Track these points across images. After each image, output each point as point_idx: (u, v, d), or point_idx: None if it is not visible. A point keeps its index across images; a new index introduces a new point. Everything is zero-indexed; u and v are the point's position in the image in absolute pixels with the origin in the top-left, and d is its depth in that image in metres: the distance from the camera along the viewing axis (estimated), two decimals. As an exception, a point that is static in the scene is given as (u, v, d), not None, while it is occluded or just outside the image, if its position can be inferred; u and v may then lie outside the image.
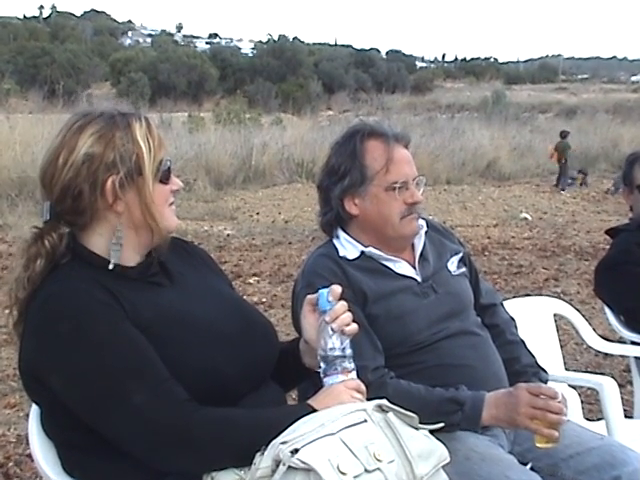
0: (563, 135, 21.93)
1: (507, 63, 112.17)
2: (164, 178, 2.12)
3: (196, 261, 2.35)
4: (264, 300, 8.45)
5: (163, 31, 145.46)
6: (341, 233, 2.83)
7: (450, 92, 58.61)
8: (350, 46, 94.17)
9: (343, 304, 2.12)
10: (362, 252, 2.78)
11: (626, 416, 3.53)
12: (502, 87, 56.59)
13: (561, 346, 4.13)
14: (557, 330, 4.11)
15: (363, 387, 2.09)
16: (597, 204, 18.16)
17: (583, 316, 4.17)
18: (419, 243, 2.88)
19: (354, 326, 2.11)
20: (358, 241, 2.80)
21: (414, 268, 2.84)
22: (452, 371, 2.72)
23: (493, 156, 24.02)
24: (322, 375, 2.07)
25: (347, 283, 2.51)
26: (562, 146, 21.51)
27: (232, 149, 20.16)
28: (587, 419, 3.86)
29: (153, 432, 1.92)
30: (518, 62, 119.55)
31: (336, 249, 2.81)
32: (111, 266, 2.03)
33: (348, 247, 2.80)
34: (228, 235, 12.95)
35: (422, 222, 2.93)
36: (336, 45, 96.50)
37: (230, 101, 41.23)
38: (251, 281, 9.48)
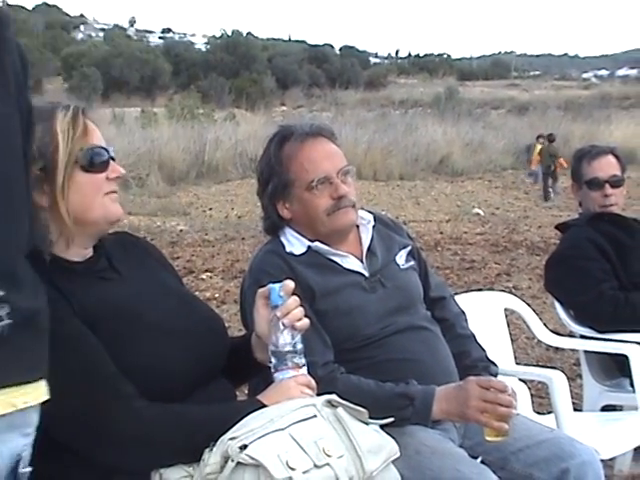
0: (550, 139, 21.23)
1: (460, 59, 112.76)
2: (90, 166, 2.05)
3: (146, 256, 2.32)
4: (217, 296, 8.42)
5: (116, 25, 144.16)
6: (287, 229, 2.82)
7: (403, 88, 58.84)
8: (304, 42, 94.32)
9: (295, 299, 2.11)
10: (309, 247, 2.76)
11: (575, 409, 3.56)
12: (455, 83, 57.02)
13: (512, 340, 4.16)
14: (508, 324, 4.14)
15: (313, 383, 2.08)
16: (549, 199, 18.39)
17: (534, 310, 4.21)
18: (366, 237, 2.87)
19: (305, 321, 2.10)
20: (304, 236, 2.79)
21: (362, 262, 2.83)
22: (402, 366, 2.71)
23: (446, 152, 24.21)
24: (273, 370, 2.06)
25: (294, 279, 2.50)
26: (549, 151, 20.79)
27: (185, 144, 20.12)
28: (537, 412, 3.88)
29: (102, 429, 1.89)
30: (471, 58, 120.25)
31: (283, 245, 2.79)
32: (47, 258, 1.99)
33: (295, 243, 2.78)
34: (181, 231, 12.91)
35: (369, 216, 2.92)
36: (290, 41, 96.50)
37: (183, 96, 41.08)
38: (204, 277, 9.44)
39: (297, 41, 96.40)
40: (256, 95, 46.83)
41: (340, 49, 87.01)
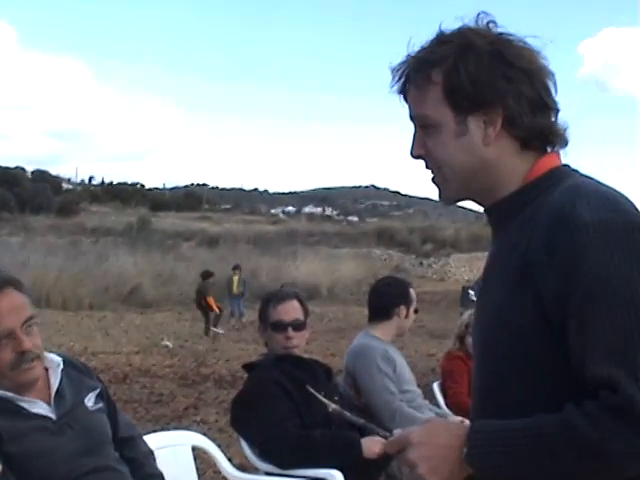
0: (204, 276, 20.50)
1: (153, 189, 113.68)
2: None
3: None
4: None
5: None
6: None
7: (96, 216, 58.30)
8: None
9: None
10: None
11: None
12: (148, 213, 57.22)
13: (200, 475, 4.24)
14: (196, 459, 4.22)
15: None
16: (237, 333, 18.73)
17: (219, 446, 4.31)
18: (55, 381, 2.88)
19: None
20: None
21: (50, 406, 2.84)
22: None
23: (136, 282, 24.16)
24: None
25: None
26: (203, 288, 20.05)
27: None
28: None
29: None
30: (164, 189, 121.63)
31: None
32: None
33: None
34: None
35: (58, 359, 2.94)
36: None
37: None
38: None
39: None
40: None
41: (32, 173, 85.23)
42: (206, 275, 20.24)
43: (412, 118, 1.81)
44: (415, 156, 1.81)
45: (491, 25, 1.75)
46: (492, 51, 1.70)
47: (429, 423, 1.76)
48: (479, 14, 1.75)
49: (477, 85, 1.69)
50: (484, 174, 1.76)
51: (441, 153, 1.76)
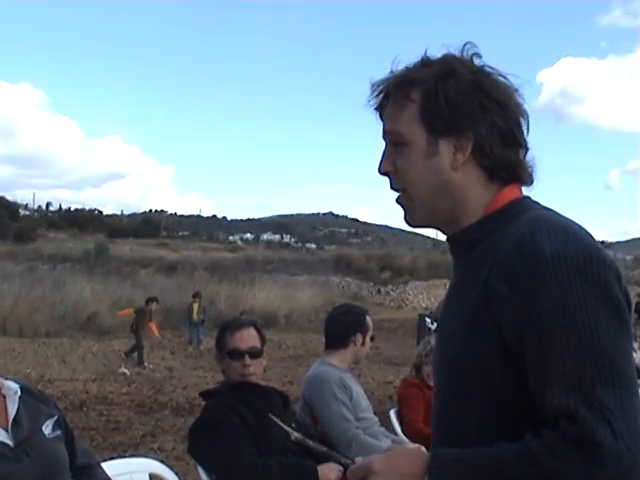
0: (148, 301, 19.72)
1: (111, 216, 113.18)
2: None
3: None
4: None
5: None
6: None
7: (53, 242, 57.71)
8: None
9: None
10: None
11: None
12: (105, 240, 56.74)
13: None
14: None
15: None
16: (194, 360, 18.65)
17: (176, 473, 4.33)
18: (13, 408, 2.91)
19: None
20: None
21: (7, 432, 2.86)
22: None
23: (94, 309, 24.00)
24: None
25: None
26: (144, 313, 19.20)
27: None
28: None
29: None
30: (122, 215, 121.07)
31: None
32: None
33: None
34: None
35: (15, 386, 2.97)
36: None
37: None
38: None
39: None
40: None
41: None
42: (150, 300, 19.67)
43: (385, 134, 1.85)
44: (382, 172, 1.85)
45: (475, 57, 1.81)
46: (472, 80, 1.76)
47: (390, 451, 1.77)
48: (466, 44, 1.82)
49: (453, 109, 1.75)
50: (448, 199, 1.79)
51: (409, 171, 1.80)
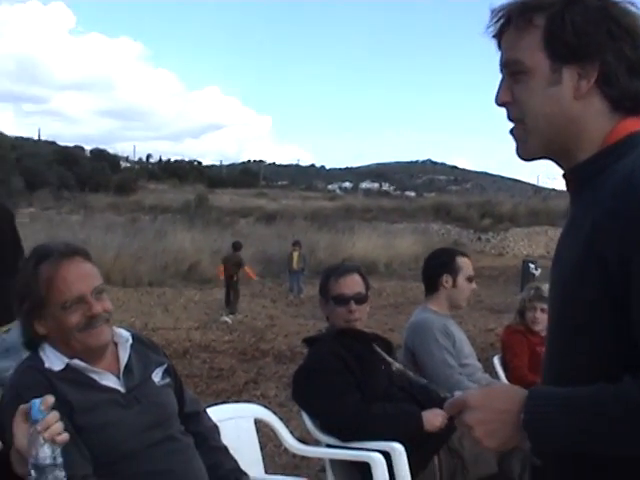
0: (236, 247, 19.65)
1: (210, 166, 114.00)
2: None
3: None
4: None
5: None
6: (46, 345, 2.85)
7: (153, 193, 58.65)
8: (54, 142, 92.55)
9: (55, 414, 2.15)
10: (67, 364, 2.81)
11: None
12: (205, 190, 57.41)
13: (261, 448, 4.30)
14: (258, 432, 4.28)
15: None
16: (295, 308, 18.80)
17: (281, 419, 4.37)
18: (124, 355, 2.95)
19: (65, 435, 2.14)
20: (63, 353, 2.83)
21: (119, 379, 2.90)
22: (158, 477, 2.80)
23: (195, 259, 24.33)
24: None
25: (53, 394, 2.53)
26: (233, 260, 19.13)
27: None
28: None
29: None
30: (221, 166, 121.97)
31: (42, 361, 2.82)
32: None
33: (53, 359, 2.81)
34: None
35: (127, 334, 3.01)
36: (39, 140, 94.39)
37: None
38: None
39: (47, 141, 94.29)
40: (3, 195, 45.25)
41: (91, 151, 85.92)
42: (238, 246, 19.71)
43: (503, 64, 1.77)
44: (500, 103, 1.78)
45: None
46: (601, 6, 1.68)
47: (488, 387, 1.75)
48: None
49: (580, 36, 1.67)
50: (567, 130, 1.72)
51: (528, 101, 1.73)
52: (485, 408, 1.65)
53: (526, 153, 1.80)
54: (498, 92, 1.78)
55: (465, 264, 5.05)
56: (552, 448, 1.64)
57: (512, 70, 1.75)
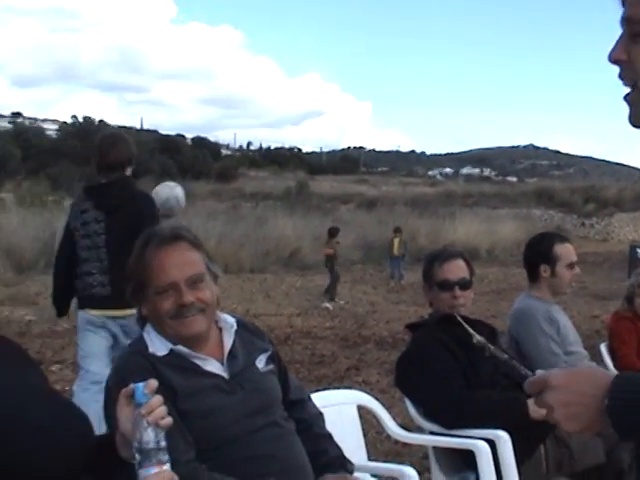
0: (332, 233, 19.80)
1: (310, 153, 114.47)
2: None
3: None
4: (67, 388, 8.26)
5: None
6: (150, 329, 2.91)
7: (254, 180, 59.18)
8: (156, 131, 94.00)
9: (159, 398, 2.17)
10: (171, 350, 2.86)
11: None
12: (305, 177, 57.65)
13: (363, 435, 4.30)
14: (360, 418, 4.28)
15: (177, 479, 2.15)
16: (396, 294, 18.75)
17: (383, 405, 4.37)
18: (228, 341, 2.98)
19: (169, 419, 2.16)
20: (167, 338, 2.88)
21: (223, 365, 2.93)
22: (259, 463, 2.81)
23: (296, 245, 24.45)
24: (137, 467, 2.08)
25: (157, 379, 2.57)
26: (329, 246, 19.38)
27: (34, 232, 19.71)
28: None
29: None
30: (321, 153, 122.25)
31: (146, 346, 2.88)
32: None
33: (157, 344, 2.86)
34: (29, 321, 12.62)
35: (232, 320, 3.04)
36: (142, 129, 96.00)
37: (33, 183, 40.22)
38: (54, 369, 9.27)
39: (149, 130, 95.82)
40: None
41: (192, 140, 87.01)
42: (334, 232, 19.68)
43: (624, 20, 1.61)
44: (613, 60, 1.62)
45: None
46: None
47: (574, 369, 1.67)
48: None
49: None
50: None
51: None
52: (568, 390, 1.59)
53: (638, 120, 1.66)
54: (614, 48, 1.62)
55: (565, 251, 4.93)
56: (637, 436, 1.58)
57: (633, 29, 1.59)
